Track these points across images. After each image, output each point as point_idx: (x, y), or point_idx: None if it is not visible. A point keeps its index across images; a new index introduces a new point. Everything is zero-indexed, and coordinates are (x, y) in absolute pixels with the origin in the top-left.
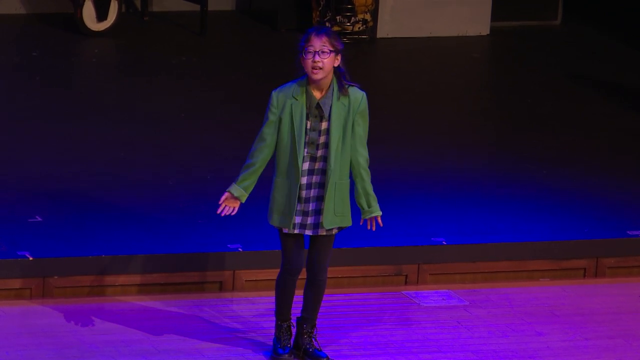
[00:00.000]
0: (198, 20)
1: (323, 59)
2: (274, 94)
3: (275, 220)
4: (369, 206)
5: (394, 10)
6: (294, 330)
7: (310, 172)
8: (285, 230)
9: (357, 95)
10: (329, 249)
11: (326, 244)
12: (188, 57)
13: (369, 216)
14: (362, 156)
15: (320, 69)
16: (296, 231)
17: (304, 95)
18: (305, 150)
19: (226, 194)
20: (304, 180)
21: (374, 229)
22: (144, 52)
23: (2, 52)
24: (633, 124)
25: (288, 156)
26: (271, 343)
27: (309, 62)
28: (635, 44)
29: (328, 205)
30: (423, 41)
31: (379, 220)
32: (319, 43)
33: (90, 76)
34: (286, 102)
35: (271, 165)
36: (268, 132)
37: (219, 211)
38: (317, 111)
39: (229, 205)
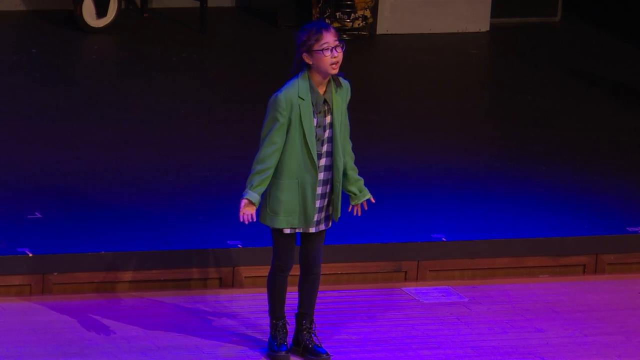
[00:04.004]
0: (198, 17)
1: (339, 53)
2: (282, 96)
3: (281, 222)
4: (360, 190)
5: (393, 6)
6: (289, 328)
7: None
8: (288, 231)
9: (346, 84)
10: (323, 243)
11: (322, 238)
12: (188, 54)
13: (362, 200)
14: (349, 143)
15: (338, 63)
16: (312, 229)
17: (309, 94)
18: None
19: (244, 201)
20: (320, 177)
21: (360, 213)
22: (143, 49)
23: (2, 49)
24: (633, 120)
25: (298, 156)
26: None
27: (328, 59)
28: (635, 41)
29: (339, 199)
30: (423, 38)
31: (371, 199)
32: (332, 38)
33: (90, 73)
34: (294, 103)
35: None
36: (279, 135)
37: (241, 219)
38: (323, 107)
39: (248, 212)
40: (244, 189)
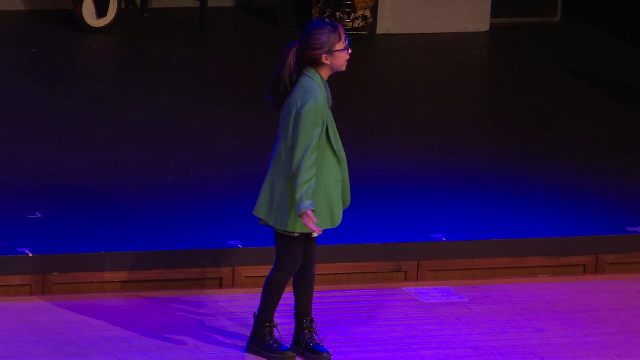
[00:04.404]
0: (198, 16)
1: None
2: (320, 101)
3: (306, 227)
4: None
5: (393, 6)
6: (290, 328)
7: None
8: (315, 234)
9: None
10: None
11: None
12: (188, 53)
13: None
14: None
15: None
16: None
17: (326, 93)
18: None
19: (310, 212)
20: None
21: None
22: (143, 49)
23: (2, 49)
24: (633, 120)
25: (325, 157)
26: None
27: (346, 57)
28: (635, 41)
29: (349, 187)
30: (423, 38)
31: None
32: (345, 36)
33: (90, 73)
34: (324, 106)
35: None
36: (319, 140)
37: (316, 230)
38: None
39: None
40: (300, 197)
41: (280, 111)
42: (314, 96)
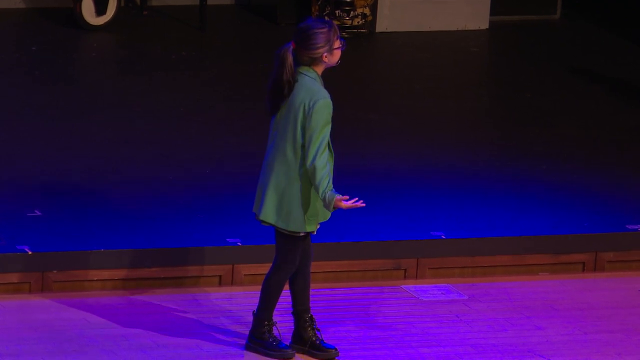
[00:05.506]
0: (198, 14)
1: None
2: (329, 100)
3: (313, 224)
4: None
5: (393, 4)
6: (289, 326)
7: None
8: (315, 231)
9: None
10: None
11: None
12: (188, 51)
13: None
14: None
15: None
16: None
17: None
18: None
19: (337, 199)
20: None
21: None
22: (143, 46)
23: (2, 48)
24: (633, 118)
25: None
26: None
27: (340, 52)
28: (635, 38)
29: None
30: (422, 35)
31: None
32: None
33: (90, 71)
34: (331, 103)
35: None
36: (329, 137)
37: (361, 204)
38: None
39: (349, 202)
40: (322, 193)
41: (277, 113)
42: (323, 95)
